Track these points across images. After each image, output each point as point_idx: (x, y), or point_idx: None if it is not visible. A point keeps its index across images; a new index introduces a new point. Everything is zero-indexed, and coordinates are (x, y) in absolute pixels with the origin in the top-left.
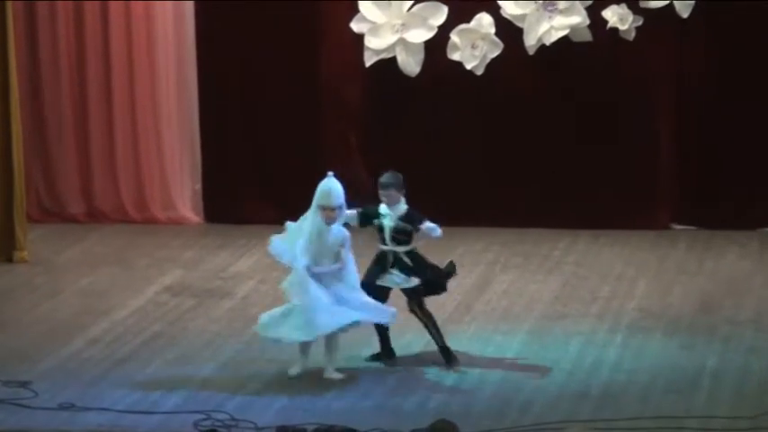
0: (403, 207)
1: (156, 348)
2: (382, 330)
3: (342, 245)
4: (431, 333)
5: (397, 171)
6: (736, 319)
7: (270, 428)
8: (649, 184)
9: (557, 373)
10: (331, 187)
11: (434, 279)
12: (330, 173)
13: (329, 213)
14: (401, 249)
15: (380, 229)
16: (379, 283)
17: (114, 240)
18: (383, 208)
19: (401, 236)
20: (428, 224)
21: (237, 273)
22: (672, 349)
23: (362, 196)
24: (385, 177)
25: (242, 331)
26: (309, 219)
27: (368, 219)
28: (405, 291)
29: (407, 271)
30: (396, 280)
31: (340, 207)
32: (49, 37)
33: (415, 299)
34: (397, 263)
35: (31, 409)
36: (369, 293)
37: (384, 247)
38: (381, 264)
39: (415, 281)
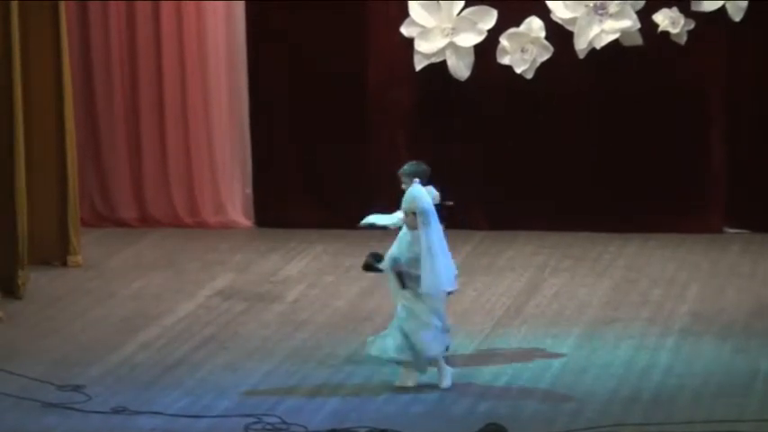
0: None
1: (207, 352)
2: None
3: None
4: None
5: (445, 175)
6: None
7: None
8: (701, 188)
9: (608, 377)
10: (408, 193)
11: None
12: (416, 180)
13: (406, 219)
14: None
15: None
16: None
17: (166, 244)
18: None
19: None
20: None
21: (287, 277)
22: (725, 353)
23: None
24: (409, 166)
25: (292, 335)
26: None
27: None
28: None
29: None
30: None
31: (414, 213)
32: (101, 39)
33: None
34: None
35: (85, 413)
36: None
37: None
38: None
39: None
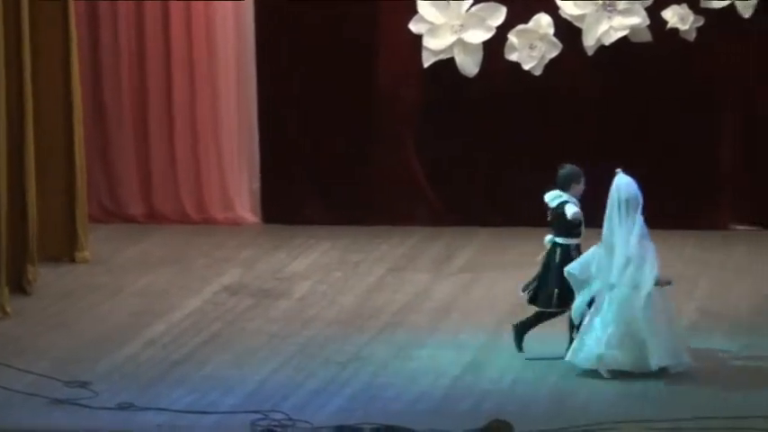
0: None
1: (213, 348)
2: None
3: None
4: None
5: (453, 172)
6: None
7: (327, 428)
8: (710, 185)
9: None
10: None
11: None
12: (618, 170)
13: None
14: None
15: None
16: None
17: (173, 241)
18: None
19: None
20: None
21: (294, 273)
22: (732, 350)
23: (418, 198)
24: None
25: (299, 331)
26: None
27: None
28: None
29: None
30: None
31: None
32: (110, 37)
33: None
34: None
35: (91, 409)
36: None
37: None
38: None
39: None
